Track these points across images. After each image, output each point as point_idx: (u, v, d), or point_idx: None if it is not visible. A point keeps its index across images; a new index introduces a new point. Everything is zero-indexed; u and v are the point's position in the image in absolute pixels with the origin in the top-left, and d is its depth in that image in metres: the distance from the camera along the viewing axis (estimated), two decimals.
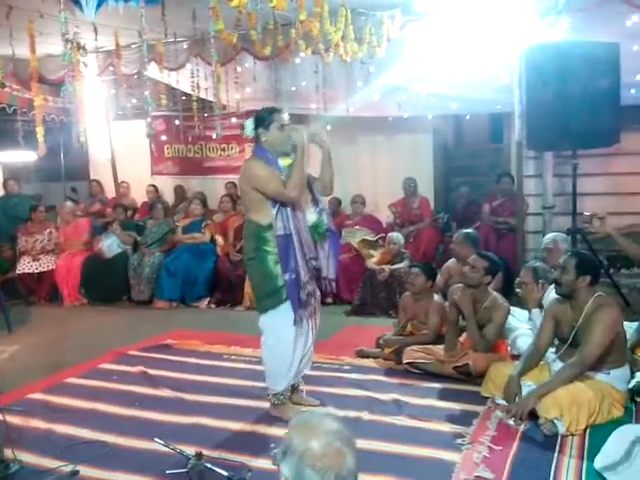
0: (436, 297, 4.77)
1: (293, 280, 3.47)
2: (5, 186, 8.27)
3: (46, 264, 7.32)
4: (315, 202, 3.73)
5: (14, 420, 3.60)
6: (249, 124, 3.64)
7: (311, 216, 3.65)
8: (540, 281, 4.25)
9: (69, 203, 7.96)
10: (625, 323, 3.68)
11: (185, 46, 6.87)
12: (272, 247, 3.50)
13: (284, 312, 3.52)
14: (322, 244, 3.70)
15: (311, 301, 3.61)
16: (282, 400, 3.68)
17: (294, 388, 3.84)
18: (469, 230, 5.47)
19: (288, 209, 3.49)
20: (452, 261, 5.40)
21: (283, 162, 3.61)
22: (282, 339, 3.57)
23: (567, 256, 3.62)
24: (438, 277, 5.14)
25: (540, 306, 4.13)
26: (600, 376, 3.49)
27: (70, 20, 4.31)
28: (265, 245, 3.51)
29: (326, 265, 3.73)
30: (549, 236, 4.93)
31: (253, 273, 3.63)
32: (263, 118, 3.59)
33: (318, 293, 3.81)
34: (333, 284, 3.85)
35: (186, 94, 7.20)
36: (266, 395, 3.74)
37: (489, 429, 3.42)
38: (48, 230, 7.56)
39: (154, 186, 8.60)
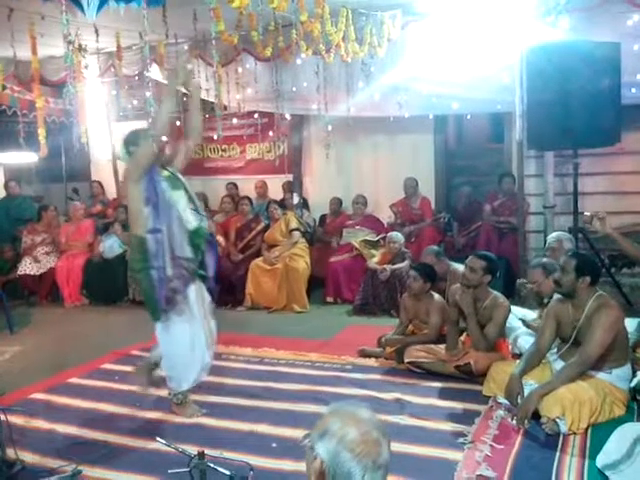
0: (436, 297, 4.77)
1: (158, 277, 3.58)
2: (6, 187, 8.28)
3: (47, 265, 7.33)
4: (196, 211, 3.86)
5: (16, 420, 3.59)
6: (121, 149, 3.82)
7: (192, 222, 3.76)
8: (550, 277, 4.21)
9: (77, 203, 7.97)
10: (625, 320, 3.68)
11: (186, 47, 6.88)
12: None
13: (174, 318, 3.66)
14: (206, 248, 3.84)
15: (177, 299, 3.67)
16: (181, 400, 3.80)
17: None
18: (431, 247, 5.47)
19: (161, 207, 3.58)
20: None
21: (162, 174, 3.73)
22: (176, 342, 3.69)
23: (567, 257, 3.62)
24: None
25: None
26: (602, 375, 3.49)
27: (71, 22, 4.31)
28: (149, 255, 3.62)
29: (209, 266, 3.88)
30: (553, 235, 4.92)
31: (142, 285, 3.74)
32: (130, 137, 3.76)
33: (208, 298, 3.94)
34: (213, 283, 4.02)
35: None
36: (169, 395, 3.86)
37: (491, 428, 3.42)
38: (53, 230, 7.59)
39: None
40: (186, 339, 3.69)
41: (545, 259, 4.52)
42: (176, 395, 3.82)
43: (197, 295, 3.78)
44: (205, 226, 3.86)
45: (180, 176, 3.91)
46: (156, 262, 3.56)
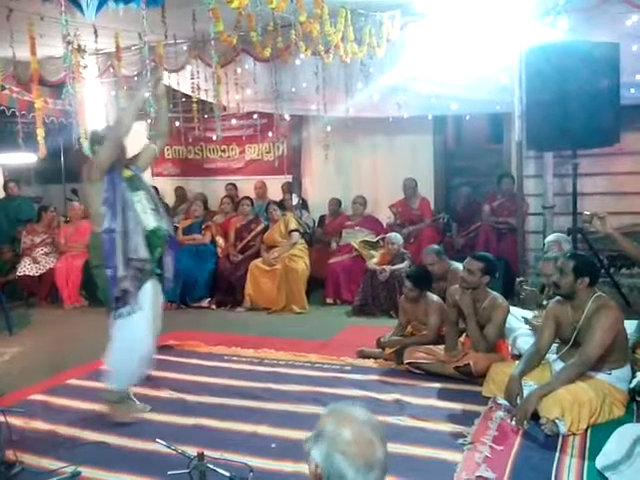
0: (435, 298, 4.76)
1: (111, 276, 3.64)
2: (5, 188, 8.27)
3: (46, 266, 7.32)
4: (157, 209, 3.92)
5: (15, 421, 3.60)
6: (86, 144, 3.96)
7: (151, 223, 3.83)
8: None
9: (76, 204, 7.96)
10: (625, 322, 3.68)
11: (185, 48, 6.88)
12: None
13: (124, 317, 3.71)
14: (165, 248, 3.92)
15: (128, 299, 3.69)
16: (118, 399, 3.82)
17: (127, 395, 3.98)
18: (432, 247, 5.44)
19: (118, 207, 3.64)
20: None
21: (124, 174, 3.78)
22: (123, 339, 3.73)
23: (564, 259, 3.61)
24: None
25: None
26: (601, 376, 3.49)
27: (70, 22, 4.31)
28: (103, 254, 3.67)
29: (166, 266, 3.95)
30: (550, 237, 4.91)
31: (99, 280, 3.79)
32: (96, 135, 3.85)
33: (161, 297, 3.98)
34: (171, 284, 4.11)
35: (186, 96, 7.21)
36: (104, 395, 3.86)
37: (490, 429, 3.42)
38: (53, 230, 7.59)
39: (155, 187, 8.58)
40: (133, 337, 3.74)
41: (555, 252, 4.49)
42: (115, 393, 3.82)
43: (150, 294, 3.83)
44: (164, 227, 3.91)
45: (142, 176, 3.97)
46: (109, 262, 3.62)
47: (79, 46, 5.91)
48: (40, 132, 5.63)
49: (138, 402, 4.00)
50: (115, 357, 3.80)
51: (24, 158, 7.73)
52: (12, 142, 6.61)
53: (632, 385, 3.60)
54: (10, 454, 3.13)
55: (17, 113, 6.69)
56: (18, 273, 7.27)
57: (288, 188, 7.85)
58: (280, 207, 7.22)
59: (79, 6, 3.99)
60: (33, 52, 5.60)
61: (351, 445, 1.47)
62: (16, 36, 5.52)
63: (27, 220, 7.76)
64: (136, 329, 3.73)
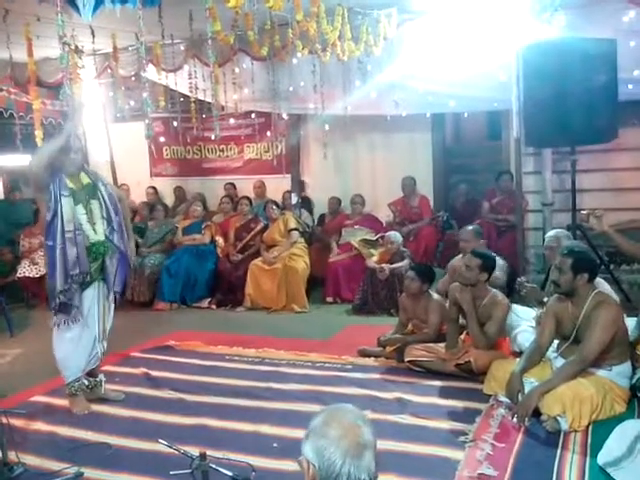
0: (435, 295, 4.77)
1: (50, 288, 3.82)
2: (7, 195, 8.27)
3: (45, 267, 7.31)
4: (109, 221, 3.95)
5: (17, 423, 3.59)
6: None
7: (95, 235, 3.88)
8: None
9: None
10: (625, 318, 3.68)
11: (182, 47, 6.87)
12: None
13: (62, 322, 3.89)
14: (112, 261, 3.98)
15: (66, 309, 3.81)
16: (72, 391, 3.97)
17: (96, 383, 4.13)
18: (473, 225, 5.44)
19: (58, 224, 3.72)
20: (457, 259, 5.32)
21: (73, 184, 3.83)
22: (61, 340, 3.92)
23: (562, 256, 3.60)
24: (445, 277, 5.04)
25: None
26: (602, 372, 3.50)
27: (67, 23, 4.30)
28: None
29: (112, 280, 4.01)
30: (551, 233, 4.91)
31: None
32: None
33: (109, 301, 4.07)
34: (118, 296, 4.15)
35: (184, 95, 7.20)
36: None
37: (492, 426, 3.43)
38: None
39: (154, 188, 8.60)
40: (70, 339, 3.89)
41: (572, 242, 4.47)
42: (68, 385, 3.96)
43: (92, 300, 3.94)
44: (114, 240, 3.96)
45: (100, 185, 3.98)
46: (50, 274, 3.79)
47: (76, 47, 5.90)
48: (38, 133, 5.63)
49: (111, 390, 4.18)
50: (57, 356, 3.96)
51: (22, 159, 7.71)
52: (10, 144, 6.60)
53: (633, 381, 3.60)
54: (12, 455, 3.12)
55: (15, 115, 6.68)
56: (18, 275, 7.26)
57: (293, 188, 7.81)
58: (279, 206, 7.21)
59: (75, 7, 3.98)
60: (30, 53, 5.59)
61: (335, 428, 1.50)
62: (13, 37, 5.52)
63: (26, 223, 7.75)
64: (70, 334, 3.88)
